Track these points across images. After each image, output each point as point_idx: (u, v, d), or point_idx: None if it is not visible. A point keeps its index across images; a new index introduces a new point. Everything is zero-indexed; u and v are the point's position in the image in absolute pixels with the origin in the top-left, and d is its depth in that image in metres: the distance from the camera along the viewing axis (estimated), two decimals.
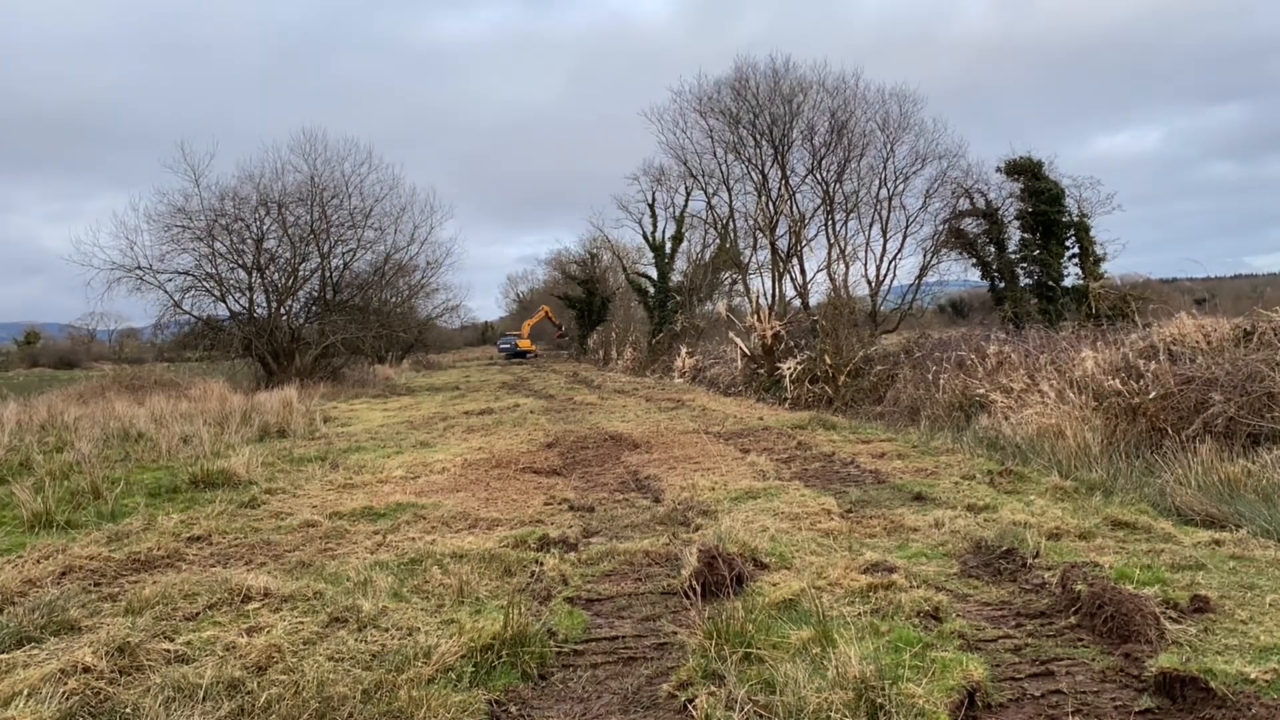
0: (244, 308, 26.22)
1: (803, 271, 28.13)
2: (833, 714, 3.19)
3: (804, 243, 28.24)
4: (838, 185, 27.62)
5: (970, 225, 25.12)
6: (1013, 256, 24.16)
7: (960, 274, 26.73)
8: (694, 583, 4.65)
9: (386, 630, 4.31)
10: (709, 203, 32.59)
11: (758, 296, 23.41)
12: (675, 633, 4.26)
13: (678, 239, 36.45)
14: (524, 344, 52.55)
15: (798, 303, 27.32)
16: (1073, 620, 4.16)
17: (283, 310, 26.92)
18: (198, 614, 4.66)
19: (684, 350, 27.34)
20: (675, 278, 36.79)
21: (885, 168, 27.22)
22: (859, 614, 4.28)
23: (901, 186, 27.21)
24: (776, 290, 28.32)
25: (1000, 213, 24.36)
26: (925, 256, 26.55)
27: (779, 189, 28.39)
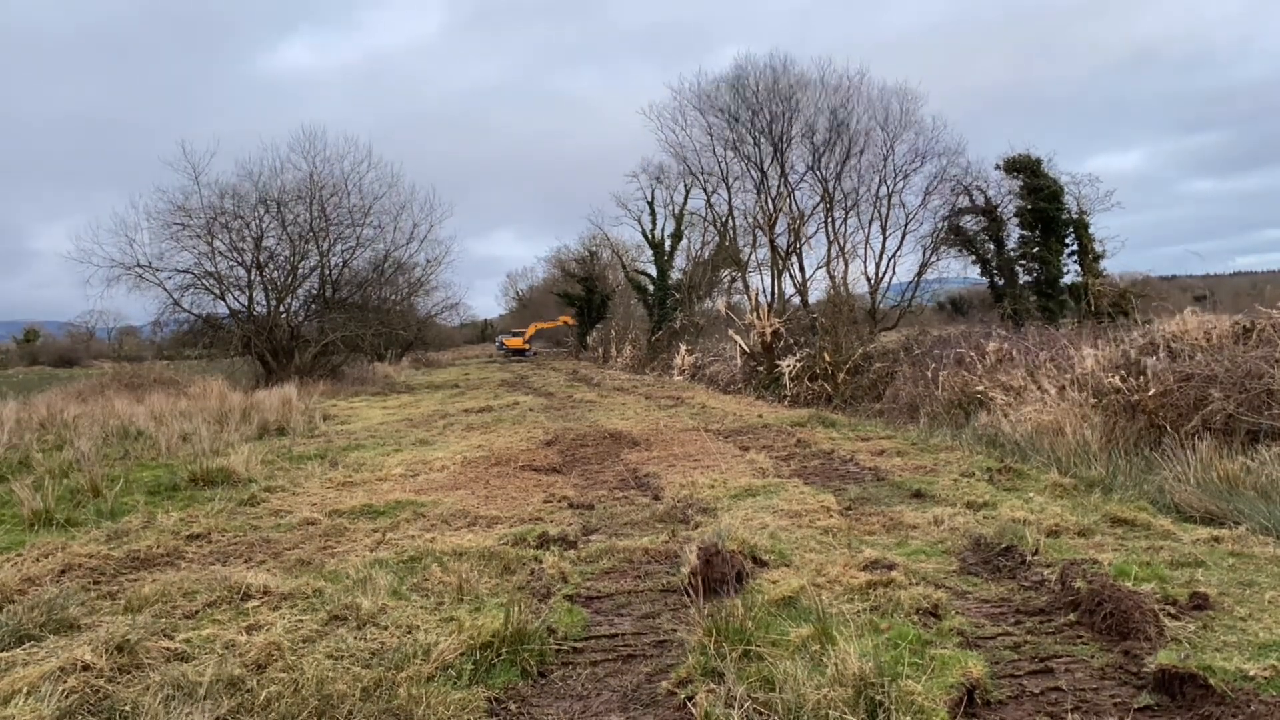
0: (243, 305, 26.23)
1: (802, 269, 28.16)
2: (832, 711, 3.19)
3: (803, 240, 28.26)
4: (837, 183, 27.61)
5: (969, 222, 25.13)
6: (1012, 254, 24.17)
7: (960, 271, 26.76)
8: (694, 580, 4.65)
9: (386, 628, 4.31)
10: (708, 200, 32.60)
11: (757, 294, 23.43)
12: (675, 630, 4.26)
13: (677, 237, 36.49)
14: (512, 343, 52.36)
15: (797, 300, 27.32)
16: (1072, 617, 4.16)
17: (282, 308, 26.91)
18: (197, 612, 4.67)
19: (683, 348, 27.34)
20: (675, 275, 36.85)
21: (885, 165, 27.21)
22: (858, 611, 4.28)
23: (901, 184, 27.20)
24: (776, 288, 28.34)
25: (999, 210, 24.37)
26: (925, 254, 26.55)
27: (778, 186, 28.39)
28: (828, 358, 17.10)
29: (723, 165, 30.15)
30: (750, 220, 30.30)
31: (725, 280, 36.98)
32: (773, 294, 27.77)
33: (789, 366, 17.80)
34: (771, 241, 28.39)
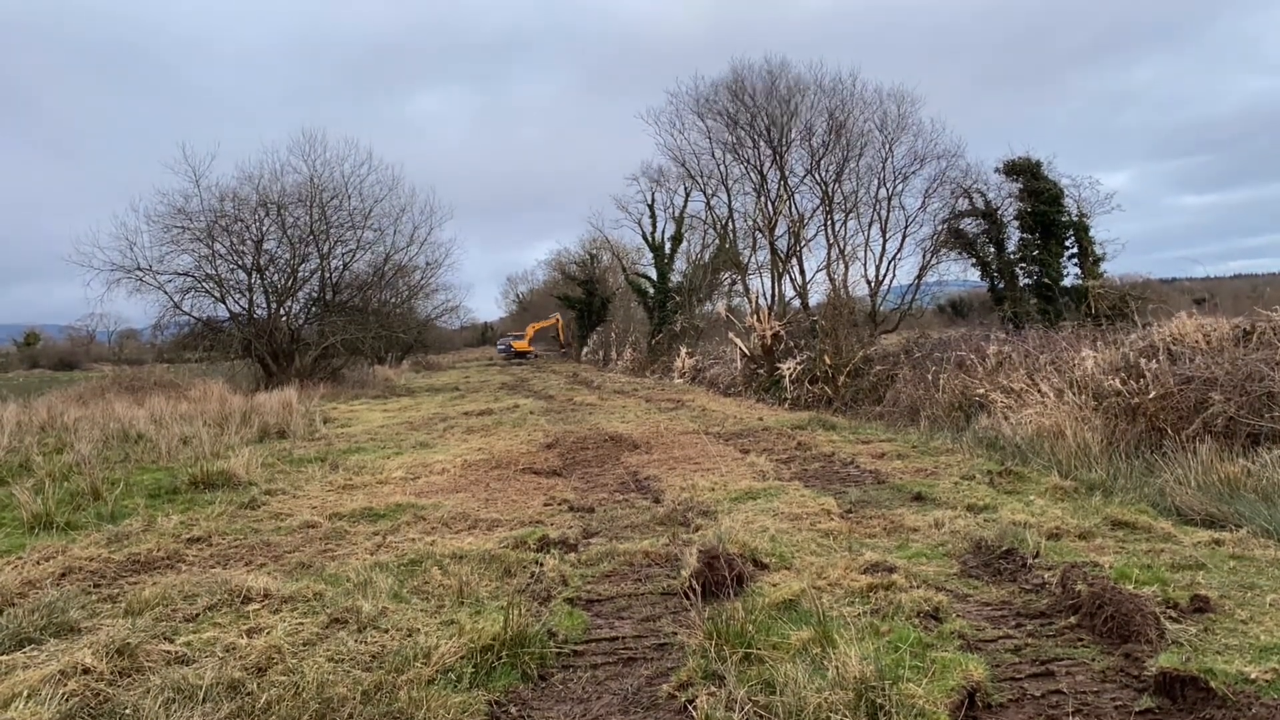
0: (243, 309, 26.24)
1: (802, 272, 28.15)
2: (833, 714, 3.18)
3: (803, 243, 28.26)
4: (836, 185, 27.63)
5: (969, 225, 25.13)
6: (1012, 256, 24.17)
7: (959, 274, 26.74)
8: (694, 583, 4.65)
9: (386, 631, 4.31)
10: (708, 203, 32.62)
11: (757, 297, 23.44)
12: (675, 633, 4.26)
13: (677, 239, 36.48)
14: (518, 345, 52.63)
15: (797, 303, 27.34)
16: (1073, 620, 4.16)
17: (282, 311, 26.92)
18: (197, 615, 4.66)
19: (683, 351, 27.34)
20: (675, 278, 36.81)
21: (884, 168, 27.22)
22: (859, 614, 4.28)
23: (900, 186, 27.22)
24: (776, 290, 28.34)
25: (999, 213, 24.37)
26: (924, 256, 26.54)
27: (778, 189, 28.42)
28: (828, 360, 17.10)
29: (722, 168, 30.22)
30: (750, 223, 30.34)
31: (725, 283, 36.98)
32: (773, 297, 27.78)
33: (789, 369, 17.80)
34: (771, 244, 28.42)
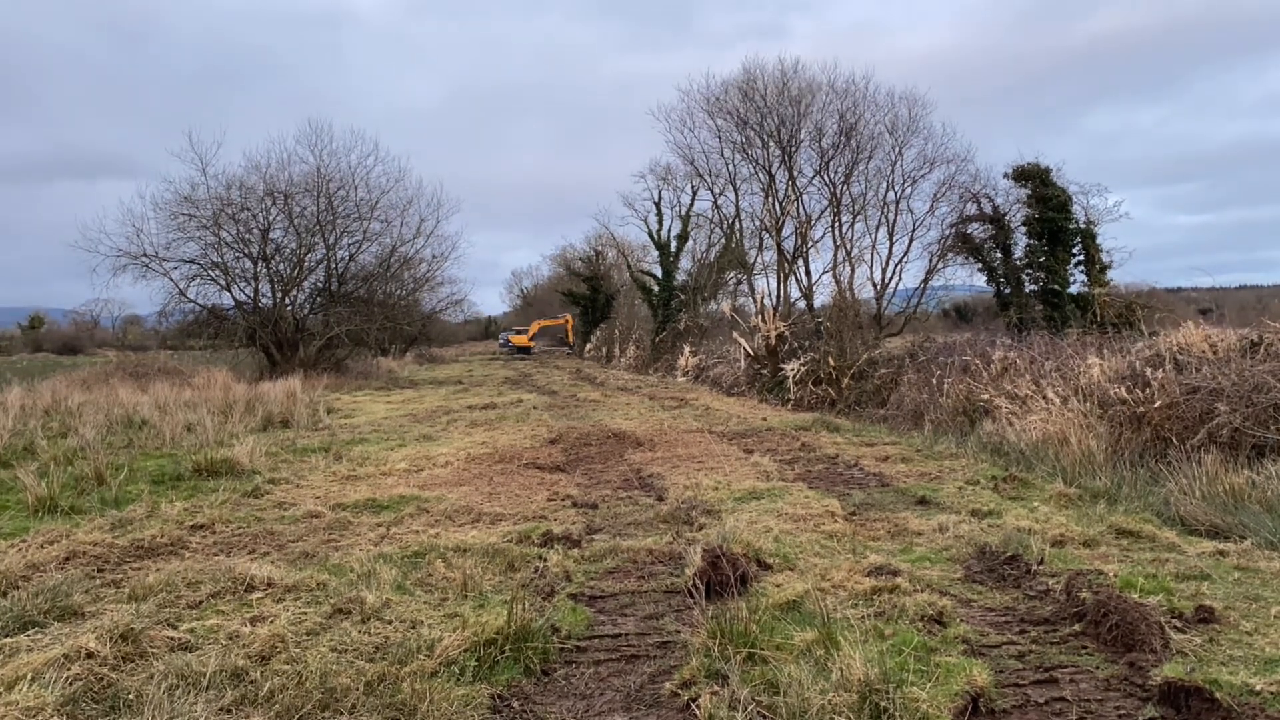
0: (249, 297, 26.26)
1: (808, 273, 28.06)
2: (836, 716, 3.18)
3: (810, 244, 28.19)
4: (845, 187, 27.56)
5: (977, 230, 25.06)
6: (1019, 262, 24.13)
7: (965, 279, 26.66)
8: (698, 582, 4.65)
9: (390, 622, 4.32)
10: (715, 202, 32.59)
11: (762, 297, 23.40)
12: (678, 631, 4.26)
13: (683, 238, 36.45)
14: (516, 340, 52.84)
15: (802, 304, 27.28)
16: (1077, 628, 4.15)
17: (287, 301, 26.95)
18: (201, 602, 4.67)
19: (687, 349, 27.32)
20: (680, 277, 36.79)
21: (893, 171, 27.11)
22: (862, 617, 4.27)
23: (909, 190, 27.11)
24: (781, 291, 28.29)
25: (1007, 218, 24.31)
26: (931, 260, 26.43)
27: (786, 190, 28.34)
28: (832, 362, 17.09)
29: (730, 167, 30.13)
30: (757, 223, 30.29)
31: (730, 283, 36.94)
32: (778, 297, 27.74)
33: (793, 370, 17.79)
34: (778, 245, 28.34)
